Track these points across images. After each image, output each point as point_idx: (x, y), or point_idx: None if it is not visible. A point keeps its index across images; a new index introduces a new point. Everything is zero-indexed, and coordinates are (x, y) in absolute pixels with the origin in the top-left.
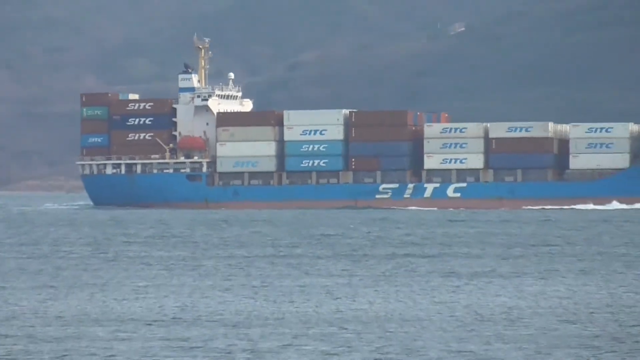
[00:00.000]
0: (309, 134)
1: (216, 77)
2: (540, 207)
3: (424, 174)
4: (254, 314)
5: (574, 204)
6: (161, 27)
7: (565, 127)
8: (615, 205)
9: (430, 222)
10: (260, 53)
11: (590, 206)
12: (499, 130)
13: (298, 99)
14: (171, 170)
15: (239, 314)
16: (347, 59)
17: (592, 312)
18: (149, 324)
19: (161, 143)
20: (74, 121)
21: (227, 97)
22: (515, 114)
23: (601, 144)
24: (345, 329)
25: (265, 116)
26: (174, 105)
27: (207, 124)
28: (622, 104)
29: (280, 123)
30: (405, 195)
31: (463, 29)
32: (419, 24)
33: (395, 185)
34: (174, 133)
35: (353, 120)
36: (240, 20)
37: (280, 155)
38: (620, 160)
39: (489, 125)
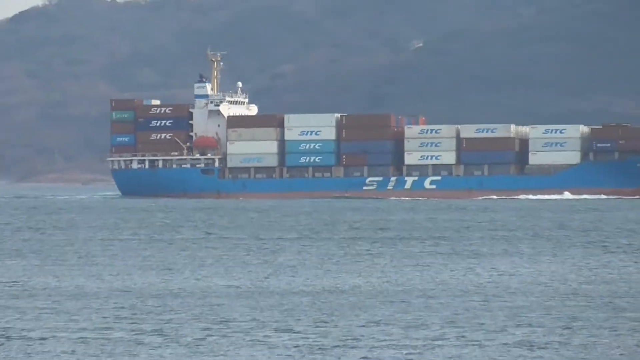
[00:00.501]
0: (306, 134)
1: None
2: (504, 197)
3: (404, 168)
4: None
5: (533, 195)
6: (164, 42)
7: (525, 129)
8: (567, 195)
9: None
10: (247, 65)
11: (549, 196)
12: (469, 131)
13: (280, 103)
14: (188, 165)
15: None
16: (320, 70)
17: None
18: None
19: (179, 142)
20: (90, 122)
21: (236, 102)
22: (465, 116)
23: (556, 143)
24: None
25: (269, 119)
26: (191, 110)
27: (219, 125)
28: (558, 108)
29: (281, 125)
30: (388, 187)
31: (421, 44)
32: (383, 40)
33: (380, 179)
34: (190, 134)
35: (343, 122)
36: (230, 38)
37: (282, 153)
38: (572, 157)
39: (460, 127)
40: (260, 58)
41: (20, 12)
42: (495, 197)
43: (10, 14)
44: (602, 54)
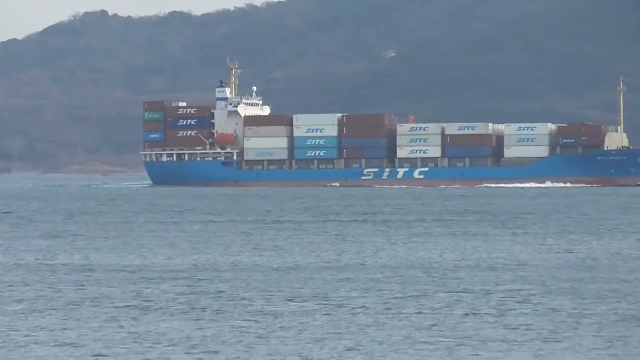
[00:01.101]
0: (312, 131)
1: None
2: (484, 185)
3: (396, 161)
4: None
5: (508, 184)
6: (172, 53)
7: (500, 126)
8: (548, 184)
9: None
10: (244, 71)
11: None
12: (452, 128)
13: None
14: (210, 159)
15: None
16: (307, 76)
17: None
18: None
19: (203, 138)
20: (108, 121)
21: (251, 104)
22: (432, 116)
23: (527, 139)
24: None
25: (280, 118)
26: (212, 111)
27: (237, 124)
28: (511, 108)
29: (290, 123)
30: (383, 177)
31: (394, 54)
32: (361, 50)
33: (376, 170)
34: (212, 131)
35: (344, 121)
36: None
37: (291, 147)
38: (541, 151)
39: (444, 125)
40: (256, 66)
41: (48, 27)
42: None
43: (40, 28)
44: (548, 61)
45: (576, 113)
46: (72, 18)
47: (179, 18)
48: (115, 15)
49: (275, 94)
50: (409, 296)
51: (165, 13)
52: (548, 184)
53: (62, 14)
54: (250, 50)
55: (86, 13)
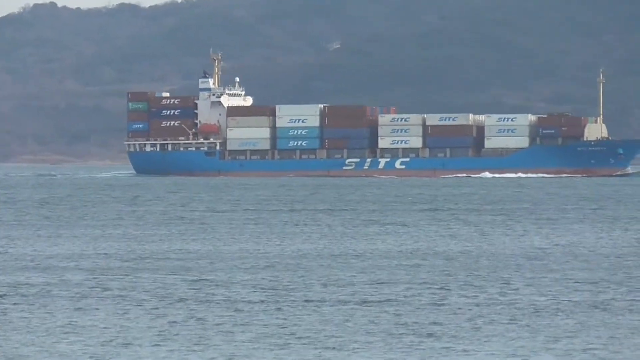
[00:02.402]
0: (294, 122)
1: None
2: (464, 175)
3: (378, 151)
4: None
5: (489, 174)
6: (121, 44)
7: (481, 117)
8: (517, 174)
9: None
10: (195, 63)
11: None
12: (433, 119)
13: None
14: (193, 149)
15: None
16: (256, 68)
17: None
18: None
19: (186, 129)
20: (60, 111)
21: (234, 95)
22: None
23: (508, 130)
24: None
25: (262, 109)
26: (196, 101)
27: (220, 114)
28: (460, 100)
29: (273, 114)
30: (364, 167)
31: (339, 45)
32: (308, 42)
33: (358, 160)
34: (195, 121)
35: (326, 112)
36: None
37: (273, 138)
38: (522, 141)
39: (425, 116)
40: (204, 57)
41: None
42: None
43: None
44: (497, 54)
45: (526, 105)
46: (22, 9)
47: (127, 10)
48: (64, 7)
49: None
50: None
51: (114, 5)
52: (527, 174)
53: (12, 5)
54: (198, 41)
55: (36, 4)
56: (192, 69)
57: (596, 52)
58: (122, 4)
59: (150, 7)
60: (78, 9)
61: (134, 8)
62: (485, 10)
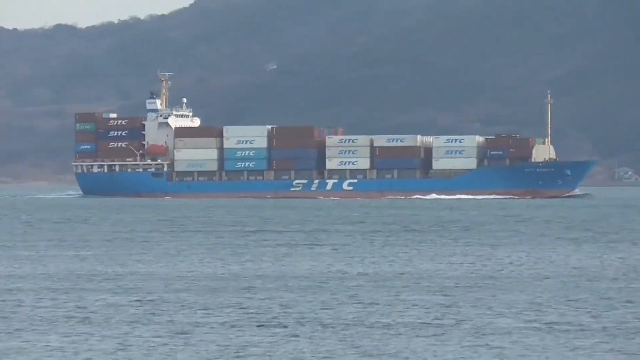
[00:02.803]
0: (242, 143)
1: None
2: (414, 197)
3: (326, 172)
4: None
5: (435, 195)
6: (58, 65)
7: (429, 139)
8: (465, 196)
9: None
10: (129, 83)
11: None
12: (381, 141)
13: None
14: (141, 170)
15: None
16: (191, 88)
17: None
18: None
19: (134, 150)
20: None
21: (182, 116)
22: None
23: (455, 151)
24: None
25: (210, 130)
26: (143, 122)
27: (168, 135)
28: (392, 121)
29: (220, 135)
30: (312, 188)
31: (275, 66)
32: (243, 63)
33: (305, 181)
34: (143, 142)
35: (274, 133)
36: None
37: (221, 159)
38: (469, 163)
39: (373, 137)
40: (140, 77)
41: None
42: (403, 197)
43: None
44: (427, 75)
45: (457, 126)
46: None
47: (64, 30)
48: (1, 27)
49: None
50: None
51: (50, 25)
52: (474, 195)
53: None
54: (134, 62)
55: None
56: (128, 89)
57: (525, 73)
58: (59, 25)
59: (87, 27)
60: (15, 29)
61: (71, 29)
62: (414, 32)
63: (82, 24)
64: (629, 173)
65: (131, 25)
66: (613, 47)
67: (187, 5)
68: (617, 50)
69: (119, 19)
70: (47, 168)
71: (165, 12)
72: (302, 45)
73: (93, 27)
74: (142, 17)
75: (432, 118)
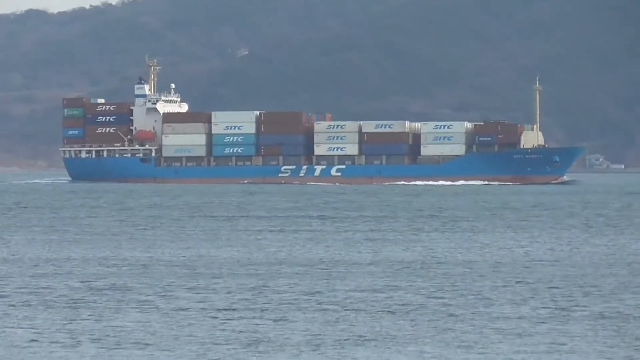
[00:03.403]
0: (230, 128)
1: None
2: (401, 183)
3: (314, 158)
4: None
5: (424, 181)
6: (29, 50)
7: (417, 125)
8: (459, 182)
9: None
10: (100, 68)
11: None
12: (369, 126)
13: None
14: (129, 155)
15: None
16: (162, 74)
17: None
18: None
19: (122, 135)
20: None
21: (170, 101)
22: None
23: (444, 137)
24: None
25: (198, 116)
26: (131, 107)
27: (156, 121)
28: (364, 107)
29: (209, 120)
30: (300, 174)
31: (247, 52)
32: (214, 49)
33: (293, 167)
34: (131, 128)
35: (262, 119)
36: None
37: (209, 144)
38: (458, 149)
39: (361, 123)
40: (111, 63)
41: None
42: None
43: None
44: (399, 61)
45: (428, 112)
46: None
47: (35, 15)
48: None
49: (129, 91)
50: None
51: (21, 11)
52: (461, 182)
53: None
54: (105, 48)
55: None
56: (99, 74)
57: (496, 59)
58: (30, 10)
59: (58, 13)
60: None
61: (42, 14)
62: (385, 17)
63: (54, 9)
64: (600, 160)
65: (103, 11)
66: (584, 35)
67: None
68: (588, 38)
69: (91, 5)
70: (20, 154)
71: None
72: (273, 31)
73: (64, 12)
74: (113, 3)
75: (404, 104)
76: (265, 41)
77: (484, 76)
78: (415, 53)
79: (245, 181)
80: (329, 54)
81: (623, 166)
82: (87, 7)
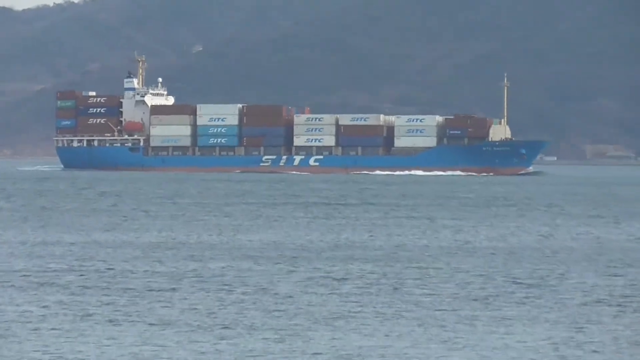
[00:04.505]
0: (215, 120)
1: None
2: (375, 172)
3: (293, 149)
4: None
5: (398, 171)
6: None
7: (391, 118)
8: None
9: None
10: (61, 63)
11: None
12: (346, 119)
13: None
14: (118, 145)
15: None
16: (120, 69)
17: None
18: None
19: (112, 126)
20: None
21: (157, 94)
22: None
23: (416, 130)
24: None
25: (184, 108)
26: (121, 100)
27: (144, 113)
28: (312, 101)
29: (194, 113)
30: (280, 164)
31: (201, 48)
32: (171, 45)
33: (274, 157)
34: (120, 119)
35: (245, 111)
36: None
37: (194, 135)
38: (429, 141)
39: (338, 116)
40: (72, 57)
41: None
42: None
43: None
44: (345, 58)
45: (370, 106)
46: None
47: (1, 13)
48: None
49: (89, 85)
50: None
51: None
52: (436, 172)
53: None
54: (67, 43)
55: None
56: (60, 68)
57: (434, 57)
58: None
59: (23, 10)
60: None
61: (8, 11)
62: (333, 17)
63: (19, 6)
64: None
65: (65, 8)
66: (517, 34)
67: None
68: (520, 36)
69: (54, 2)
70: None
71: None
72: (227, 29)
73: (29, 9)
74: (75, 1)
75: (349, 98)
76: (219, 38)
77: (423, 73)
78: (359, 51)
79: (238, 170)
80: (280, 51)
81: (555, 158)
82: (51, 4)
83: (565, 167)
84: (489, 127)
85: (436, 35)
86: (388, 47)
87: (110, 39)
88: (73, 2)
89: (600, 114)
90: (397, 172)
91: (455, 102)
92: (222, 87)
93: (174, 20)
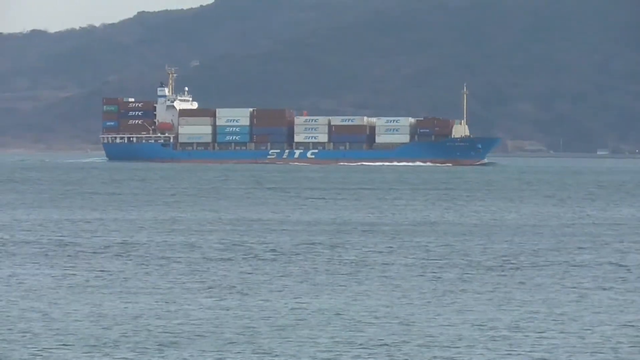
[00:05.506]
0: (230, 121)
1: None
2: (360, 164)
3: (294, 144)
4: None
5: (379, 162)
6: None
7: (373, 119)
8: (402, 163)
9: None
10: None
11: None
12: (336, 120)
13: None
14: (153, 141)
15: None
16: (134, 81)
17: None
18: None
19: (147, 126)
20: None
21: (184, 100)
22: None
23: (393, 129)
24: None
25: (206, 111)
26: (155, 105)
27: (173, 115)
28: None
29: (214, 115)
30: (283, 157)
31: (198, 63)
32: (174, 60)
33: (278, 151)
34: (154, 120)
35: (255, 114)
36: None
37: (214, 133)
38: (404, 138)
39: (331, 118)
40: (94, 70)
41: None
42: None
43: None
44: (315, 70)
45: (335, 109)
46: None
47: (38, 34)
48: None
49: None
50: None
51: (27, 30)
52: (409, 163)
53: None
54: (90, 59)
55: None
56: (85, 79)
57: (387, 69)
58: (34, 30)
59: (56, 32)
60: (0, 34)
61: (42, 33)
62: (307, 38)
63: (52, 29)
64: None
65: (89, 31)
66: (449, 52)
67: (131, 16)
68: (452, 54)
69: (80, 26)
70: (26, 140)
71: (115, 21)
72: (219, 47)
73: (60, 32)
74: (97, 25)
75: (317, 103)
76: (213, 55)
77: (378, 82)
78: (327, 64)
79: (259, 162)
80: (262, 64)
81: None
82: (77, 28)
83: (499, 158)
84: (452, 126)
85: (388, 51)
86: (349, 61)
87: (125, 55)
88: (95, 26)
89: (518, 115)
90: (378, 163)
91: (404, 106)
92: (217, 95)
93: (177, 40)
